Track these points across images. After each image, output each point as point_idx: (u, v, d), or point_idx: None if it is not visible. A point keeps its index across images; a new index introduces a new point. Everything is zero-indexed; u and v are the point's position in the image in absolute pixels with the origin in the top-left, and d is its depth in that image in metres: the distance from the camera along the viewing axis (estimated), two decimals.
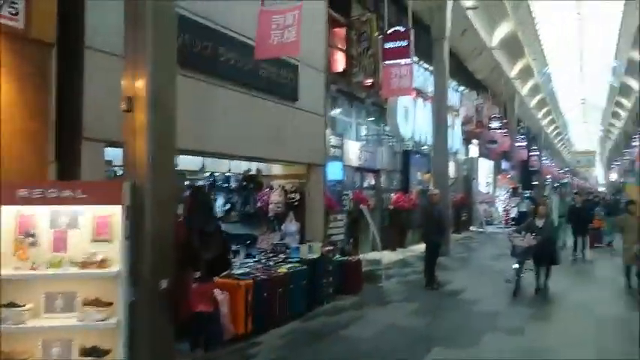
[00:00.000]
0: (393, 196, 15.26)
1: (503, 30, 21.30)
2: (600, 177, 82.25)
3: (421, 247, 15.87)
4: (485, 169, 26.56)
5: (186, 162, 8.27)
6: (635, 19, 21.55)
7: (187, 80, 6.27)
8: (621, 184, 38.90)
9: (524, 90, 31.67)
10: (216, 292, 5.49)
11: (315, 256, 8.08)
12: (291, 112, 8.93)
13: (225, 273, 5.72)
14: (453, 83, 21.41)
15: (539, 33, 28.62)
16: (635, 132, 31.84)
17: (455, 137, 20.08)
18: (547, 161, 51.21)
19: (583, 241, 13.68)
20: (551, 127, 52.27)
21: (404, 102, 14.76)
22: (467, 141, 23.49)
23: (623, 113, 40.45)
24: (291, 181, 9.79)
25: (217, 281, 5.45)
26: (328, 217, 11.00)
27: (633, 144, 31.31)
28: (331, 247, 8.96)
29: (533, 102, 36.34)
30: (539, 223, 9.05)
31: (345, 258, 9.38)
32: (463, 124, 20.91)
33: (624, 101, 37.00)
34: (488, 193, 25.10)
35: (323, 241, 9.33)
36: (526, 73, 28.97)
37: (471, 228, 23.04)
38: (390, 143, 16.29)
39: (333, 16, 12.70)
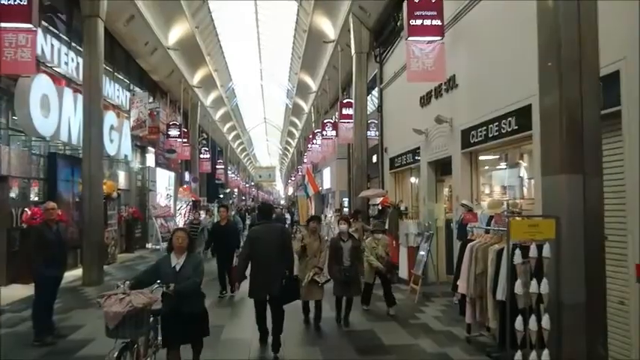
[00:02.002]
0: (28, 211, 11.62)
1: (180, 29, 19.72)
2: (281, 191, 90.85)
3: (74, 273, 12.82)
4: (165, 180, 24.58)
5: None
6: (303, 43, 23.13)
7: None
8: (295, 197, 42.62)
9: (208, 101, 31.12)
10: None
11: None
12: None
13: None
14: (123, 81, 18.73)
15: (222, 45, 28.49)
16: (305, 149, 34.89)
17: (124, 142, 17.41)
18: (233, 175, 53.02)
19: (229, 272, 10.10)
20: (237, 142, 54.33)
21: (42, 88, 11.40)
22: (142, 148, 21.04)
23: (296, 132, 44.48)
24: None
25: None
26: None
27: (304, 160, 34.22)
28: None
29: (218, 115, 36.38)
30: (178, 261, 5.01)
31: None
32: (134, 128, 18.39)
33: (297, 121, 40.57)
34: (167, 206, 23.11)
35: None
36: (209, 84, 28.32)
37: (147, 245, 20.69)
38: (28, 143, 12.58)
39: None
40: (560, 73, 4.50)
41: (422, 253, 10.18)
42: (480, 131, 8.92)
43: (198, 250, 12.55)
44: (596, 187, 4.48)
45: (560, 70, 4.50)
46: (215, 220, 14.85)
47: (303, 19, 21.62)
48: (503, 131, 8.08)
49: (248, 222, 23.92)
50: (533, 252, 4.55)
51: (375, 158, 17.14)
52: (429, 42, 9.47)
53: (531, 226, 4.51)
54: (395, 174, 15.28)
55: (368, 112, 16.95)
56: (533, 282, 4.52)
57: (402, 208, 13.08)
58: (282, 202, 64.22)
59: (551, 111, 4.60)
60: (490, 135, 8.53)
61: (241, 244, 9.70)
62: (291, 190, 58.63)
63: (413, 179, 14.00)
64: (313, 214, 29.86)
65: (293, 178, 52.72)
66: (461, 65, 9.83)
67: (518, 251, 4.63)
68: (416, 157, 12.68)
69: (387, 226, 12.82)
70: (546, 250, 4.47)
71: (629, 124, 5.25)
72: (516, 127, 7.70)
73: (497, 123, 8.28)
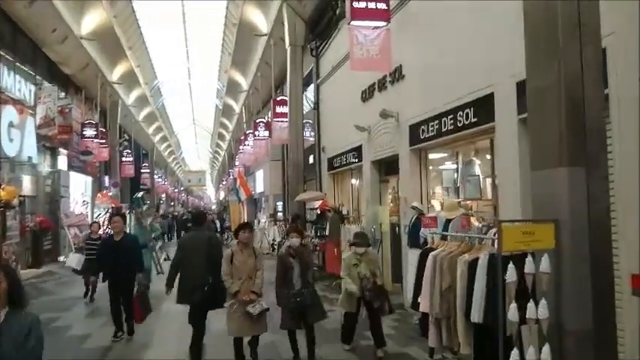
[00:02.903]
0: None
1: (95, 17, 17.75)
2: (212, 196, 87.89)
3: None
4: (80, 185, 22.28)
5: None
6: (233, 38, 21.72)
7: None
8: (226, 201, 40.80)
9: (130, 99, 28.87)
10: None
11: None
12: None
13: None
14: (27, 72, 16.52)
15: (145, 38, 26.34)
16: (237, 152, 33.29)
17: (27, 141, 15.28)
18: (160, 179, 50.25)
19: (129, 303, 7.27)
20: (165, 145, 51.61)
21: None
22: (52, 150, 18.79)
23: (227, 134, 42.69)
24: None
25: None
26: None
27: (236, 163, 32.67)
28: None
29: (142, 115, 34.02)
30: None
31: None
32: (41, 126, 16.28)
33: (227, 122, 38.85)
34: (82, 214, 20.90)
35: None
36: (131, 80, 26.19)
37: (60, 258, 18.47)
38: None
39: None
40: (558, 41, 3.61)
41: None
42: (432, 125, 8.07)
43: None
44: (602, 182, 3.63)
45: (558, 38, 3.61)
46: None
47: (232, 11, 20.22)
48: (460, 124, 7.25)
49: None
50: (529, 267, 3.61)
51: (311, 159, 16.11)
52: (374, 27, 8.58)
53: (526, 234, 3.58)
54: (334, 175, 14.30)
55: (304, 111, 15.89)
56: (531, 304, 3.58)
57: (344, 211, 12.13)
58: (214, 207, 61.78)
59: (546, 90, 3.70)
60: (444, 129, 7.69)
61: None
62: (222, 195, 56.48)
63: (354, 180, 13.07)
64: (246, 219, 28.46)
65: (224, 182, 50.71)
66: (408, 54, 8.97)
67: (512, 266, 3.66)
68: (357, 157, 11.74)
69: (327, 232, 11.86)
70: (545, 264, 3.55)
71: (619, 110, 4.50)
72: (475, 120, 6.89)
73: (452, 116, 7.45)
